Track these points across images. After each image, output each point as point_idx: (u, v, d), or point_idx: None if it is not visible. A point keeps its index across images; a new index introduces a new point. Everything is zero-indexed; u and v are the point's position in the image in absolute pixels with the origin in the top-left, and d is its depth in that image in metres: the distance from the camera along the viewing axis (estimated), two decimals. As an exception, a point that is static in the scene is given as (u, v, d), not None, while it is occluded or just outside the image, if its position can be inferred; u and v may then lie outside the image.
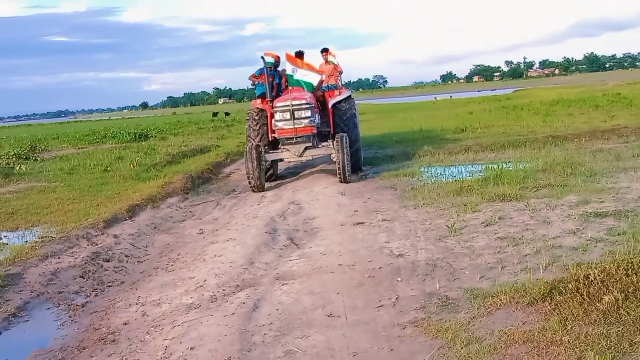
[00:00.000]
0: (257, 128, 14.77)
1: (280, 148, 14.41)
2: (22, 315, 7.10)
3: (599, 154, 13.79)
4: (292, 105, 13.58)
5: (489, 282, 6.32)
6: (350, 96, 15.66)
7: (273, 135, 14.49)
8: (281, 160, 15.15)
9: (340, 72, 16.23)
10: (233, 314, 6.29)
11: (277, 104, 13.87)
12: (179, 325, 6.15)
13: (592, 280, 5.27)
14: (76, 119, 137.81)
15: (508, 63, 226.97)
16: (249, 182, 13.80)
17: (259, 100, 15.24)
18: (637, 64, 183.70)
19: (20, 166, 20.36)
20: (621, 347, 4.27)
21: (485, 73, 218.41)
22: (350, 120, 14.91)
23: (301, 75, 14.99)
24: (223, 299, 6.82)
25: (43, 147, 28.73)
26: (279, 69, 15.75)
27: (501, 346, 4.68)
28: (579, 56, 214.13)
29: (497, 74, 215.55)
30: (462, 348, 4.81)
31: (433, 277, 6.71)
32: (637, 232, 7.16)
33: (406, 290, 6.41)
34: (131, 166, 19.20)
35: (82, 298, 7.60)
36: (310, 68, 15.63)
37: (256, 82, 15.45)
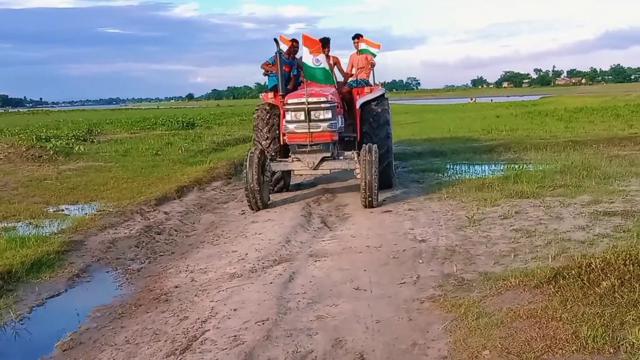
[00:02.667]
0: (267, 129, 11.85)
1: (290, 156, 11.13)
2: (84, 277, 7.62)
3: (614, 159, 13.95)
4: (309, 103, 10.33)
5: (502, 267, 6.61)
6: (383, 95, 12.41)
7: (284, 138, 11.22)
8: (290, 171, 12.00)
9: (373, 65, 12.82)
10: (271, 283, 6.67)
11: (289, 100, 10.65)
12: (223, 290, 6.56)
13: (593, 268, 5.56)
14: (127, 107, 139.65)
15: (537, 71, 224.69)
16: (247, 198, 10.69)
17: (271, 94, 11.93)
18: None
19: (79, 147, 21.05)
20: (612, 324, 4.57)
21: (514, 79, 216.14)
22: (383, 126, 11.78)
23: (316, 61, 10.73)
24: (262, 270, 7.22)
25: (98, 130, 29.49)
26: (298, 56, 12.15)
27: (507, 320, 4.99)
28: (605, 67, 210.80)
29: (526, 80, 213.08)
30: (472, 321, 5.13)
31: (451, 260, 7.01)
32: (640, 230, 7.42)
33: (426, 271, 6.73)
34: (179, 151, 19.79)
35: (137, 264, 8.10)
36: (334, 63, 12.37)
37: (269, 72, 12.19)
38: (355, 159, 10.55)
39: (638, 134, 19.32)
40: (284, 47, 11.92)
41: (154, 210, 11.03)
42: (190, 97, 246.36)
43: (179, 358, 4.90)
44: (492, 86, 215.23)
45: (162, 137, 25.30)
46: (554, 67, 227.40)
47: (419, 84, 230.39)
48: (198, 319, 5.77)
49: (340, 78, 12.66)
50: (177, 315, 5.95)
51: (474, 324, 5.06)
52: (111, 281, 7.47)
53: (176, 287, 6.91)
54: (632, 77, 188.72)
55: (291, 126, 10.59)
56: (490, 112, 40.51)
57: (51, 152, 18.60)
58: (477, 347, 4.60)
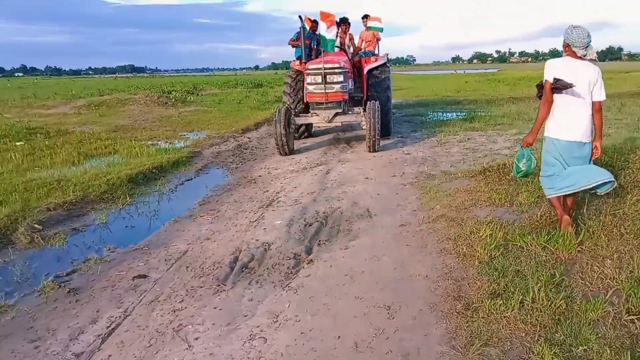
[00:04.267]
0: (293, 91, 10.52)
1: (310, 112, 9.94)
2: (204, 170, 8.59)
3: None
4: (325, 69, 9.23)
5: (455, 168, 7.36)
6: (385, 63, 11.11)
7: (306, 97, 9.95)
8: (310, 124, 11.14)
9: (379, 39, 11.60)
10: (315, 175, 7.57)
11: (310, 67, 9.49)
12: (287, 178, 7.49)
13: (507, 166, 6.33)
14: (214, 74, 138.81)
15: (498, 52, 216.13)
16: (276, 146, 9.45)
17: (297, 62, 10.79)
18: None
19: (189, 97, 21.94)
20: (512, 193, 5.39)
21: (482, 58, 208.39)
22: (383, 84, 10.52)
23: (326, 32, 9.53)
24: (310, 168, 8.10)
25: (200, 88, 30.23)
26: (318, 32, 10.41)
27: (453, 193, 5.83)
28: (546, 50, 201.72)
29: (490, 59, 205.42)
30: (433, 194, 5.97)
31: (425, 164, 7.80)
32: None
33: (408, 170, 7.54)
34: (254, 101, 20.53)
35: (234, 165, 9.01)
36: (349, 38, 11.15)
37: (296, 45, 10.96)
38: (362, 113, 9.61)
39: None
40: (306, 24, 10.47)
41: (241, 136, 11.95)
42: (256, 67, 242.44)
43: (266, 209, 5.87)
44: (465, 62, 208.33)
45: (242, 93, 26.03)
46: (509, 49, 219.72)
47: (414, 60, 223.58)
48: (274, 191, 6.73)
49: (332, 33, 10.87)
50: (262, 190, 6.91)
51: (434, 195, 5.91)
52: (220, 173, 8.42)
53: (259, 176, 7.85)
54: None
55: (311, 87, 9.48)
56: (462, 79, 39.98)
57: (173, 100, 19.56)
58: (433, 204, 5.47)
